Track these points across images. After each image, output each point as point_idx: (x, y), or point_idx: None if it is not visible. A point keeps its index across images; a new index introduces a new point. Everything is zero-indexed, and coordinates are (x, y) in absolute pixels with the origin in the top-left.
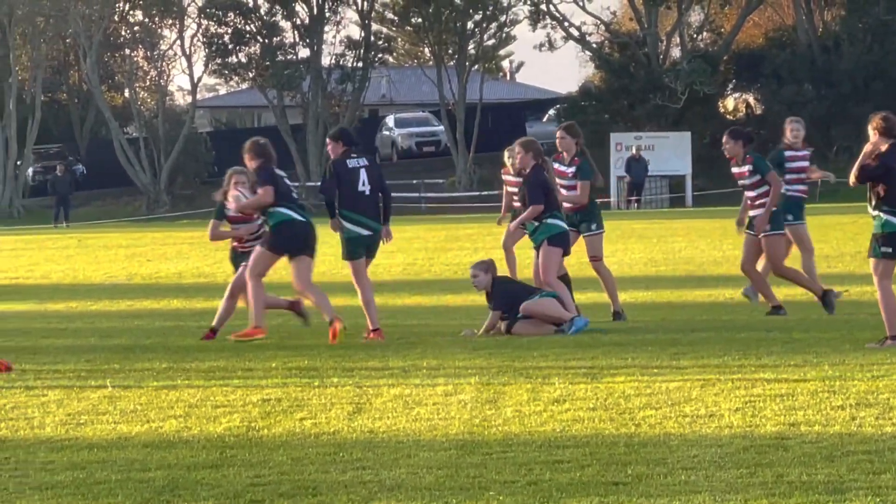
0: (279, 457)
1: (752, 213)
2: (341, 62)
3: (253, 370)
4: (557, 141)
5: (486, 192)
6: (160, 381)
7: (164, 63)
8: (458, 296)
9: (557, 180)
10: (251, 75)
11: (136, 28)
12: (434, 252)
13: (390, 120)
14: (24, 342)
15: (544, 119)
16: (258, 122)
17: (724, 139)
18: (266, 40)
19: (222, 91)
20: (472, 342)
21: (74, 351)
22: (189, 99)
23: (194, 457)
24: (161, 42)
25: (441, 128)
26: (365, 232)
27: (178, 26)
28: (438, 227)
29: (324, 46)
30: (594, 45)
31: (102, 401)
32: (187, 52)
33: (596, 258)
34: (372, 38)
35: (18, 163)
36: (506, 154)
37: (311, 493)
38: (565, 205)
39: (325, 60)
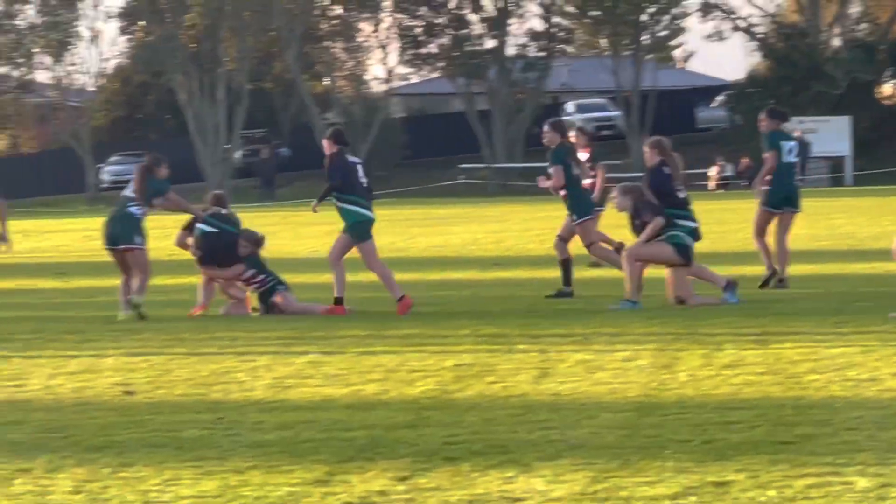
0: (471, 418)
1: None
2: (525, 52)
3: (446, 337)
4: (545, 135)
5: None
6: (361, 347)
7: (360, 54)
8: None
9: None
10: (441, 65)
11: (334, 22)
12: (610, 229)
13: (570, 106)
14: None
15: (713, 104)
16: (448, 109)
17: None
18: (455, 32)
19: (414, 79)
20: (647, 312)
21: (281, 319)
22: (384, 87)
23: (393, 417)
24: (358, 34)
25: (617, 113)
26: (372, 215)
27: (373, 20)
28: None
29: (509, 38)
30: (760, 36)
31: (307, 366)
32: (382, 44)
33: (591, 243)
34: (553, 30)
35: (227, 146)
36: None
37: (502, 451)
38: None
39: (510, 51)
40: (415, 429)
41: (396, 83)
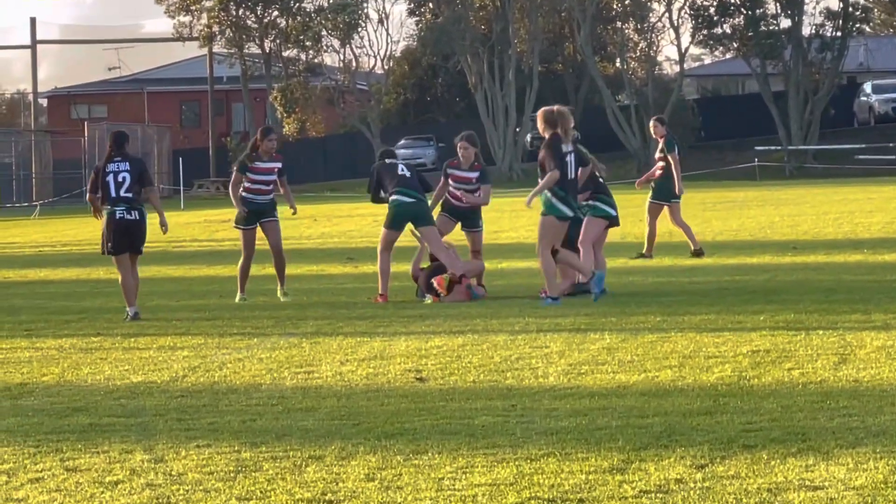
0: (769, 404)
1: None
2: (821, 32)
3: (742, 323)
4: (459, 151)
5: None
6: (655, 333)
7: (653, 34)
8: None
9: (455, 185)
10: (735, 45)
11: (626, 2)
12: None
13: (868, 86)
14: (527, 297)
15: None
16: (741, 90)
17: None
18: (749, 11)
19: (707, 60)
20: None
21: (574, 305)
22: (676, 68)
23: (689, 404)
24: (650, 15)
25: None
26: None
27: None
28: None
29: (804, 17)
30: None
31: (601, 352)
32: (675, 24)
33: (477, 251)
34: (850, 10)
35: (517, 129)
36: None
37: (801, 438)
38: (459, 203)
39: (806, 30)
40: (712, 416)
41: (689, 64)
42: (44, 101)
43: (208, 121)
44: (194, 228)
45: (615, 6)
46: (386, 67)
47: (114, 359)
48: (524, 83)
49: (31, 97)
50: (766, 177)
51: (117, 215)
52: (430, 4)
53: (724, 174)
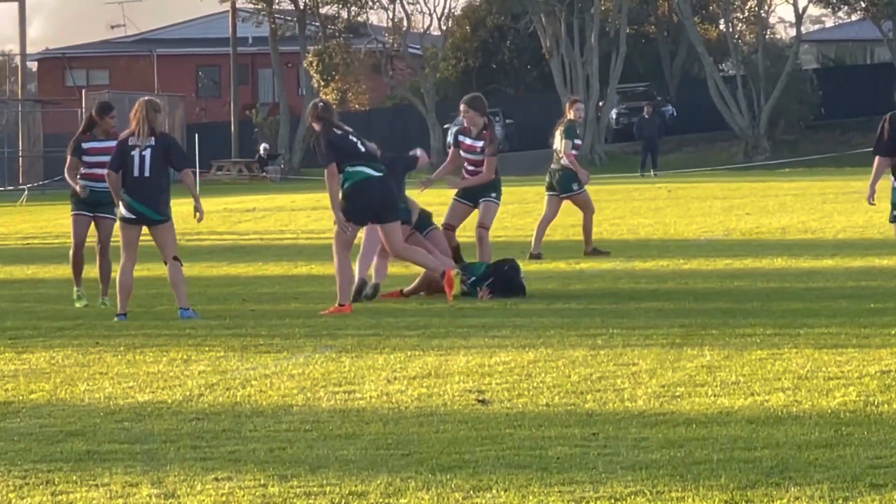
0: None
1: None
2: None
3: (869, 337)
4: (462, 115)
5: None
6: (764, 349)
7: None
8: None
9: (465, 155)
10: (863, 5)
11: None
12: None
13: None
14: (610, 304)
15: None
16: (870, 58)
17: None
18: None
19: (829, 23)
20: None
21: (667, 315)
22: (792, 32)
23: (805, 435)
24: None
25: None
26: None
27: None
28: None
29: None
30: None
31: (700, 371)
32: None
33: (484, 226)
34: None
35: (600, 103)
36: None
37: None
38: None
39: None
40: (832, 448)
41: (807, 28)
42: (33, 65)
43: (230, 90)
44: (212, 219)
45: None
46: (444, 28)
47: (116, 374)
48: (609, 48)
49: (18, 60)
50: None
51: None
52: None
53: (847, 159)
